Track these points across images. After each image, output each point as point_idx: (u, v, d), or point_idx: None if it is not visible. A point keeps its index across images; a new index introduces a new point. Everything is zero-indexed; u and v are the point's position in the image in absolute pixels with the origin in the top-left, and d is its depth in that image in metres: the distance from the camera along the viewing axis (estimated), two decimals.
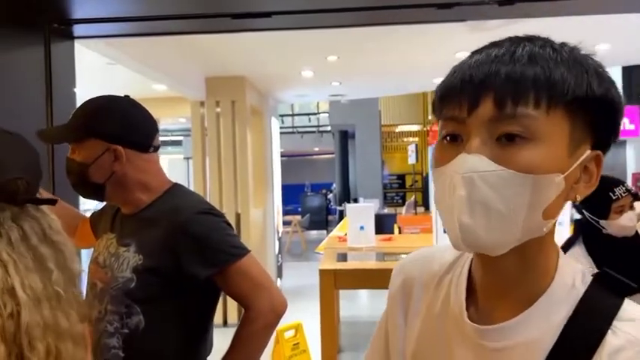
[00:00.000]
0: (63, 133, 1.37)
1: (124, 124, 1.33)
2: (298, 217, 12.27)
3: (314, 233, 13.31)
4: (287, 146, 13.80)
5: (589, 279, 0.60)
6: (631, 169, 11.58)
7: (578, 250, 2.11)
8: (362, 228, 4.07)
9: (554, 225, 0.59)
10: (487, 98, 0.54)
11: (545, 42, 0.58)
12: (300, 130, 14.57)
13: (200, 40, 4.16)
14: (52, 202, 0.83)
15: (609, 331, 0.55)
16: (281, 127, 9.71)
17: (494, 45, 0.58)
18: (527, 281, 0.60)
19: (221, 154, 5.50)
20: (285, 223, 10.11)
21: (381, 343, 0.77)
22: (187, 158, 12.78)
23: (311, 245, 10.35)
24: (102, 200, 1.39)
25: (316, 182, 16.98)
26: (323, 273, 3.29)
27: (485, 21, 3.88)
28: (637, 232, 2.13)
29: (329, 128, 13.72)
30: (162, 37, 3.99)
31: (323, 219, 14.32)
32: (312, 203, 14.73)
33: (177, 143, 12.86)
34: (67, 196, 2.20)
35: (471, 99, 0.55)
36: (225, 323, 5.47)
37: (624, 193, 2.07)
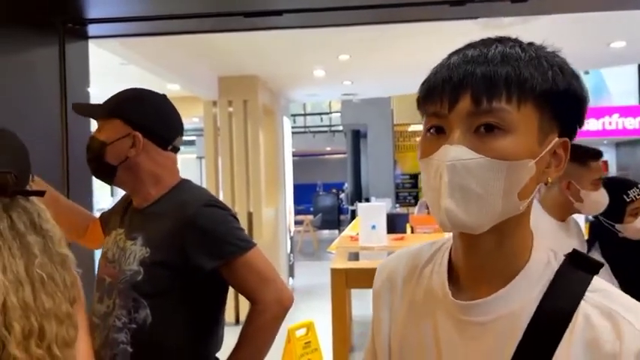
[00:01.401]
0: (94, 108, 1.43)
1: (151, 115, 1.37)
2: (310, 217, 12.27)
3: (326, 233, 13.32)
4: (299, 146, 13.81)
5: (561, 258, 0.67)
6: None
7: (594, 253, 2.08)
8: (374, 227, 4.06)
9: (530, 208, 0.66)
10: (465, 95, 0.62)
11: (515, 42, 0.65)
12: (312, 129, 14.57)
13: (213, 40, 4.18)
14: (40, 193, 0.91)
15: (582, 301, 0.61)
16: (293, 127, 9.71)
17: (469, 46, 0.66)
18: (506, 259, 0.66)
19: (233, 154, 5.52)
20: (298, 223, 10.12)
21: (371, 344, 0.82)
22: (200, 158, 12.85)
23: (323, 245, 10.35)
24: (111, 183, 1.41)
25: (328, 182, 16.97)
26: (335, 272, 3.29)
27: (498, 19, 3.85)
28: None
29: (341, 128, 13.70)
30: (175, 36, 4.02)
31: (335, 218, 14.32)
32: (324, 203, 14.74)
33: (191, 143, 12.94)
34: (81, 189, 2.23)
35: (451, 97, 0.62)
36: (237, 321, 5.48)
37: (638, 195, 2.04)
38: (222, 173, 5.55)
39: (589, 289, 0.62)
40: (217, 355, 1.41)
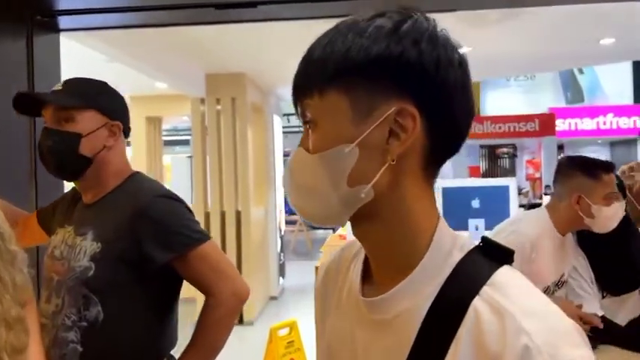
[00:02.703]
0: (62, 97, 1.32)
1: (121, 103, 1.39)
2: None
3: (320, 232, 13.24)
4: (293, 145, 13.71)
5: (468, 246, 0.60)
6: None
7: (571, 239, 2.03)
8: None
9: (405, 192, 0.60)
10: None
11: (342, 25, 0.60)
12: None
13: (200, 37, 4.13)
14: None
15: (477, 297, 0.55)
16: (287, 127, 9.67)
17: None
18: (399, 250, 0.61)
19: (222, 152, 5.47)
20: (291, 223, 10.07)
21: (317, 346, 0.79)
22: (191, 157, 12.80)
23: (317, 244, 10.30)
24: (77, 178, 1.35)
25: None
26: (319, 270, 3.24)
27: (484, 16, 3.81)
28: (629, 222, 2.02)
29: None
30: (161, 33, 3.97)
31: None
32: None
33: (185, 143, 12.89)
34: (50, 186, 2.17)
35: (295, 105, 0.64)
36: (240, 321, 5.43)
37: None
38: (211, 172, 5.50)
39: (489, 282, 0.55)
40: (172, 352, 1.37)
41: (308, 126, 0.61)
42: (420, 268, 0.59)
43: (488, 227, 3.50)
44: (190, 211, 1.35)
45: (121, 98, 1.40)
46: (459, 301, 0.55)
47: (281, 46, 4.53)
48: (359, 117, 0.58)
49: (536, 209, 1.97)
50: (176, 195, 1.35)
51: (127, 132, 1.39)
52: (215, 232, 5.44)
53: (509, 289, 0.55)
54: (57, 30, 2.33)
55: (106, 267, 1.25)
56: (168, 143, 12.64)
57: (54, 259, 1.33)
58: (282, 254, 7.03)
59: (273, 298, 6.51)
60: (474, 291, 0.55)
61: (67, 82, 1.35)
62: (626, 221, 1.90)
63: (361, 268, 0.67)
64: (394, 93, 0.57)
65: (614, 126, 11.03)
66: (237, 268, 5.84)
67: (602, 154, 13.18)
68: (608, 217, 1.78)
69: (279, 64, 5.30)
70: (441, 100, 0.58)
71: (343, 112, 0.58)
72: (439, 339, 0.55)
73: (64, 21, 2.31)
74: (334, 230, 5.74)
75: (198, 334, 1.29)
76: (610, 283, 2.03)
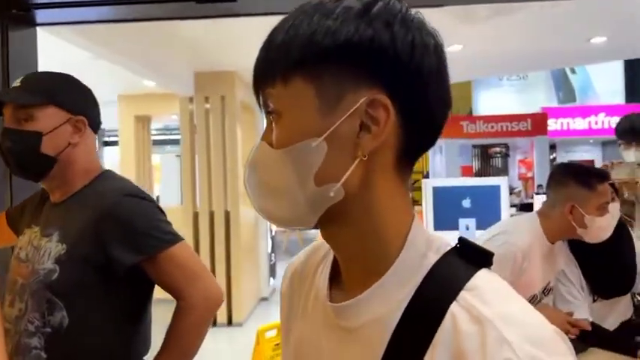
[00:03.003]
0: (20, 95, 1.25)
1: (86, 96, 1.31)
2: None
3: (312, 232, 13.21)
4: None
5: (444, 248, 0.56)
6: None
7: (561, 245, 2.00)
8: None
9: (377, 190, 0.55)
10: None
11: (302, 8, 0.55)
12: None
13: (188, 34, 4.06)
14: None
15: (454, 302, 0.50)
16: None
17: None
18: (370, 252, 0.56)
19: (210, 151, 5.40)
20: None
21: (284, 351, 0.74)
22: (179, 156, 12.72)
23: (309, 243, 10.26)
24: (41, 179, 1.28)
25: None
26: None
27: (474, 13, 3.77)
28: (622, 226, 2.00)
29: None
30: (148, 30, 3.90)
31: None
32: None
33: (176, 142, 12.79)
34: (25, 186, 2.10)
35: (256, 95, 0.58)
36: (229, 322, 5.39)
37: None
38: (199, 171, 5.43)
39: (466, 286, 0.51)
40: (145, 358, 1.31)
41: (271, 117, 0.56)
42: (392, 272, 0.55)
43: (480, 227, 3.46)
44: (162, 211, 1.29)
45: (87, 91, 1.32)
46: (435, 306, 0.50)
47: None
48: (326, 107, 0.53)
49: (528, 215, 1.92)
50: (146, 194, 1.29)
51: (95, 126, 1.32)
52: (204, 233, 5.38)
53: (488, 295, 0.50)
54: (33, 24, 2.25)
55: (71, 269, 1.19)
56: (158, 142, 12.57)
57: (19, 261, 1.27)
58: (273, 255, 6.97)
59: (263, 299, 6.45)
60: (452, 295, 0.50)
61: (26, 77, 1.27)
62: (619, 224, 1.87)
63: (329, 272, 0.63)
64: (364, 81, 0.52)
65: (606, 125, 11.05)
66: (226, 269, 5.76)
67: (593, 154, 13.22)
68: (602, 227, 1.74)
69: None
70: (416, 88, 0.53)
71: (309, 102, 0.53)
72: (413, 346, 0.50)
73: (40, 15, 2.23)
74: None
75: (169, 341, 1.24)
76: (602, 287, 2.00)
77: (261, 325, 3.47)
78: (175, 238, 1.24)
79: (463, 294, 0.50)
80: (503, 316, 0.48)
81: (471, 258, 0.54)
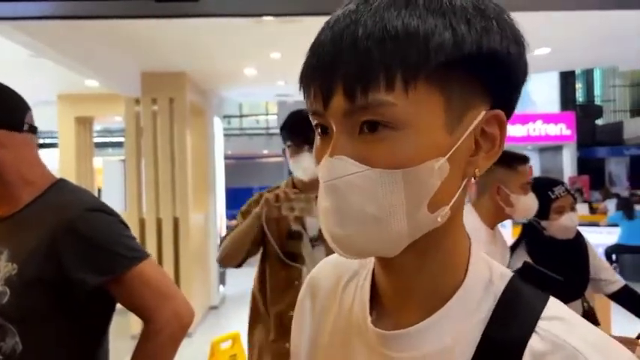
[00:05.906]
0: None
1: (8, 102, 1.14)
2: None
3: None
4: (234, 148, 13.46)
5: (507, 273, 0.52)
6: (567, 173, 12.07)
7: (521, 252, 2.07)
8: None
9: (460, 210, 0.52)
10: (337, 88, 0.46)
11: None
12: (248, 132, 14.28)
13: (136, 31, 3.87)
14: None
15: (534, 334, 0.47)
16: (228, 129, 9.41)
17: (348, 11, 0.47)
18: (433, 278, 0.51)
19: (158, 155, 5.19)
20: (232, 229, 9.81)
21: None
22: (123, 160, 12.27)
23: None
24: None
25: (265, 185, 16.61)
26: None
27: None
28: (578, 233, 2.10)
29: (278, 130, 13.54)
30: (92, 27, 3.69)
31: None
32: None
33: (119, 145, 12.30)
34: None
35: (323, 90, 0.47)
36: None
37: (563, 192, 2.05)
38: (146, 176, 5.21)
39: (543, 315, 0.47)
40: None
41: (365, 128, 0.46)
42: (456, 299, 0.50)
43: None
44: (126, 225, 1.19)
45: (6, 97, 1.15)
46: (515, 338, 0.46)
47: (225, 44, 4.35)
48: (453, 121, 0.47)
49: (465, 208, 1.98)
50: (109, 208, 1.18)
51: (13, 124, 1.13)
52: (151, 240, 5.16)
53: (568, 322, 0.47)
54: None
55: (23, 292, 1.07)
56: (100, 145, 12.03)
57: None
58: None
59: (213, 307, 6.27)
60: (531, 325, 0.47)
61: None
62: (577, 233, 2.03)
63: (368, 295, 0.56)
64: (482, 95, 0.48)
65: (543, 133, 11.59)
66: (174, 276, 5.52)
67: (532, 160, 13.86)
68: (526, 204, 1.86)
69: (219, 64, 5.11)
70: (514, 106, 0.52)
71: (437, 115, 0.46)
72: None
73: None
74: None
75: None
76: (553, 291, 2.06)
77: (215, 337, 3.36)
78: (142, 255, 1.15)
79: (542, 323, 0.47)
80: (590, 343, 0.45)
81: (538, 283, 0.50)
